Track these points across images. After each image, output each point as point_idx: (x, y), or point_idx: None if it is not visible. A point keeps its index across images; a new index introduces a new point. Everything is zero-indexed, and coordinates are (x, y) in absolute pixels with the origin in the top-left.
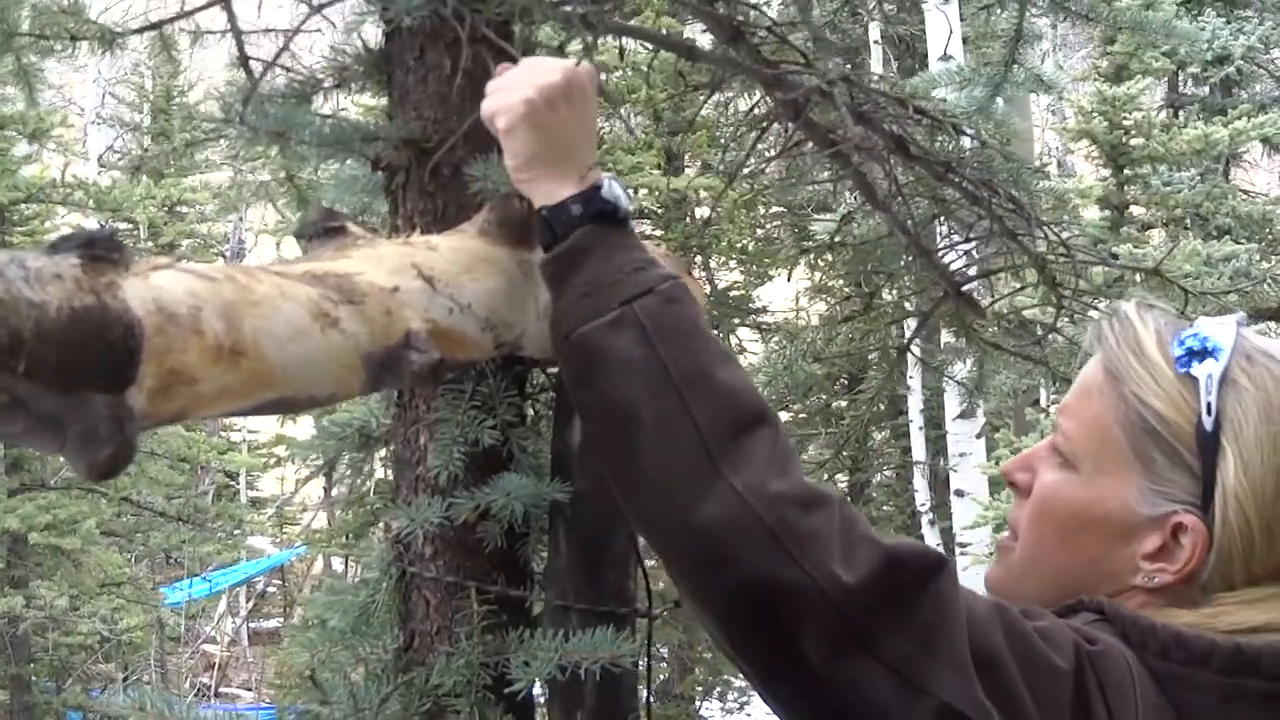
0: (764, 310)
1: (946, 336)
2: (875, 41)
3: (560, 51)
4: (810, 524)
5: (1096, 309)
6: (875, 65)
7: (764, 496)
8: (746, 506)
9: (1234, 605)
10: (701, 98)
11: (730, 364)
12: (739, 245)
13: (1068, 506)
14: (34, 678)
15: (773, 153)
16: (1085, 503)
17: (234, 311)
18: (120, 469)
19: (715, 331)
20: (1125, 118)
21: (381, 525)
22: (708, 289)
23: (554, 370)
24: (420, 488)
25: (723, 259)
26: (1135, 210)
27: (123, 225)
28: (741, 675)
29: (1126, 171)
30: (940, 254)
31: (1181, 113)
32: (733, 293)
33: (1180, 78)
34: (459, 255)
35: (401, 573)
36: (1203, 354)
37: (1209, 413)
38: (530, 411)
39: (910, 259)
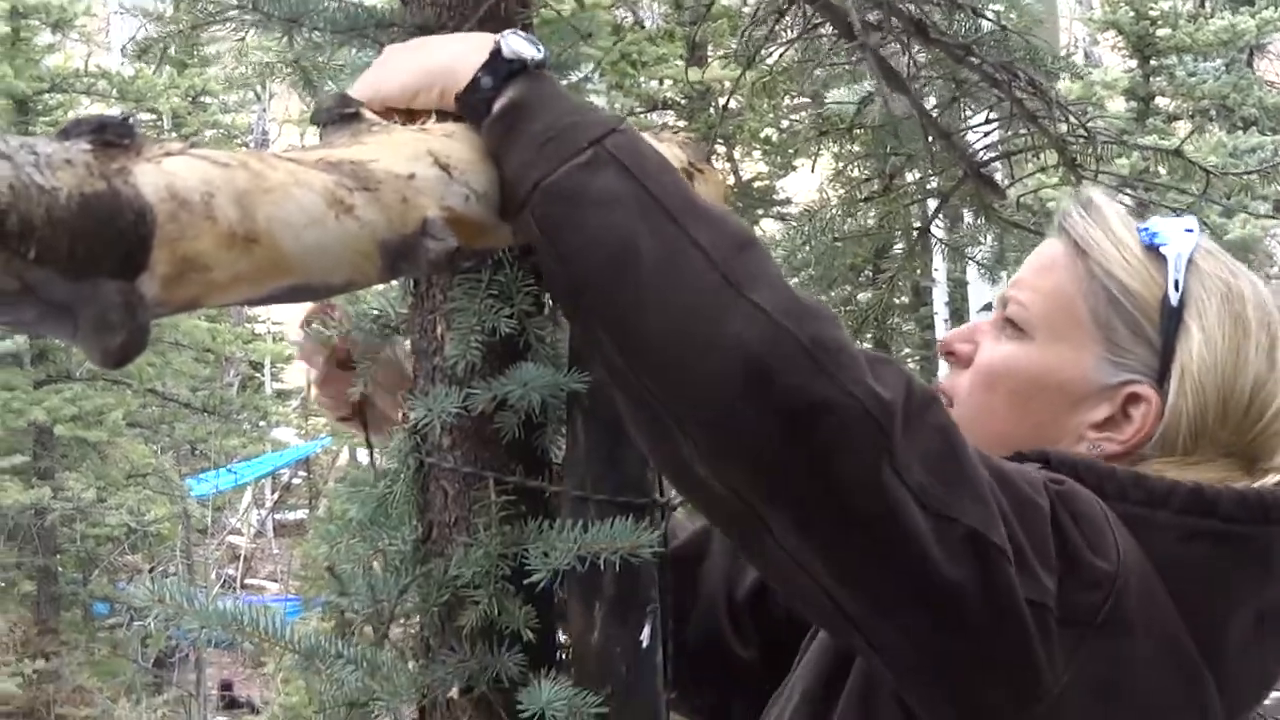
0: (788, 201)
1: (968, 217)
2: None
3: None
4: (839, 340)
5: (1119, 191)
6: None
7: (790, 313)
8: (775, 323)
9: (1164, 466)
10: None
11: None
12: (762, 135)
13: (1022, 372)
14: (61, 569)
15: (791, 36)
16: (1040, 369)
17: (247, 199)
18: (133, 356)
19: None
20: (1152, 7)
21: (399, 415)
22: (731, 180)
23: None
24: (437, 378)
25: (746, 150)
26: (1161, 101)
27: (146, 115)
28: (763, 548)
29: (1152, 62)
30: (960, 135)
31: (1208, 3)
32: (756, 184)
33: None
34: (476, 141)
35: (419, 463)
36: (1168, 239)
37: (1176, 288)
38: (548, 300)
39: (930, 140)
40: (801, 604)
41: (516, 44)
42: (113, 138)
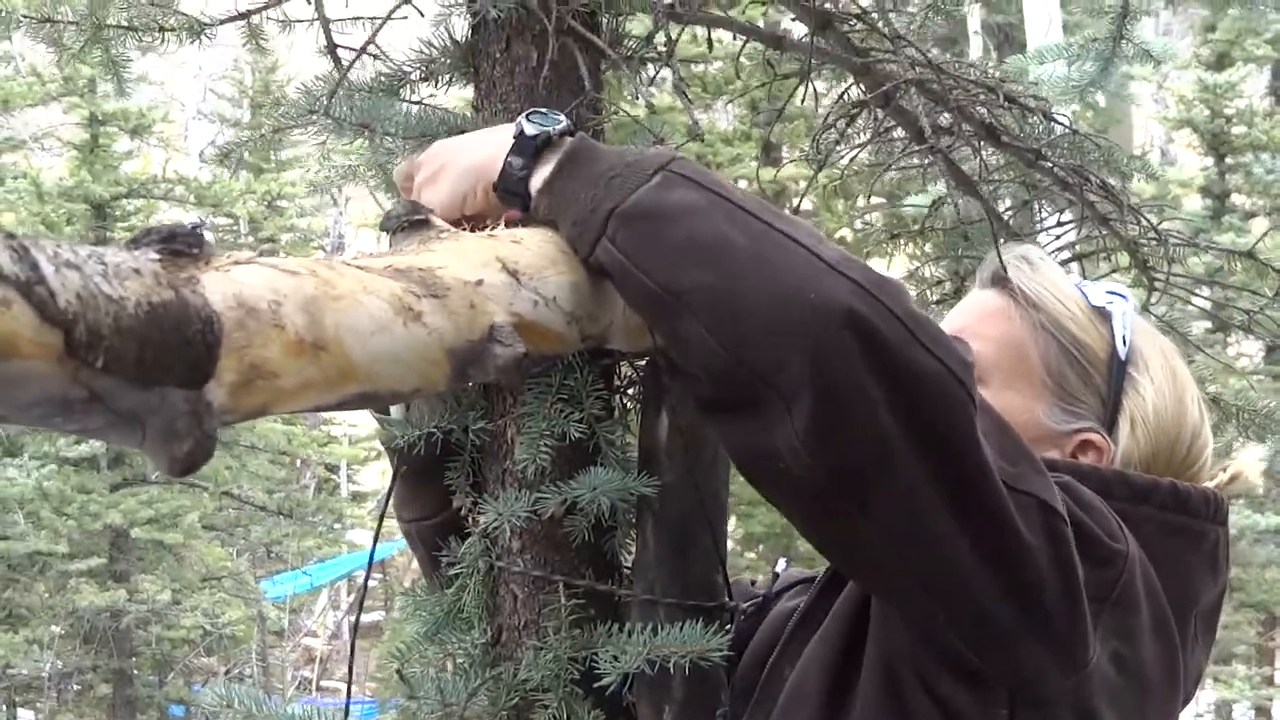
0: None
1: None
2: (975, 31)
3: (648, 43)
4: (925, 314)
5: (1192, 293)
6: (974, 54)
7: (882, 288)
8: (872, 295)
9: None
10: (792, 88)
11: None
12: (837, 235)
13: None
14: (136, 671)
15: (863, 139)
16: None
17: (316, 306)
18: (200, 464)
19: None
20: (1227, 106)
21: (469, 519)
22: None
23: (641, 363)
24: (507, 481)
25: None
26: (1237, 199)
27: (223, 220)
28: (852, 530)
29: (1228, 160)
30: (1033, 237)
31: None
32: None
33: None
34: (544, 248)
35: (489, 567)
36: (1110, 300)
37: (1124, 344)
38: (617, 404)
39: (1002, 243)
40: (878, 584)
41: (537, 119)
42: (182, 246)
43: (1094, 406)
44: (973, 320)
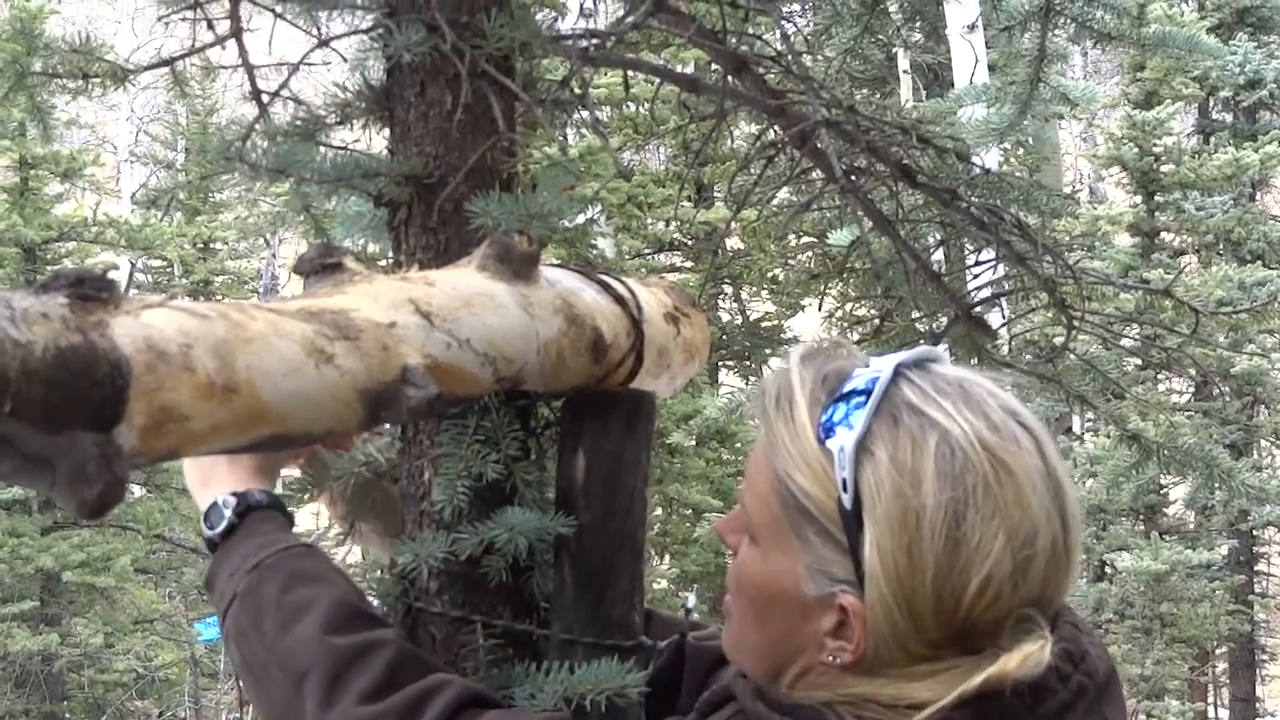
0: (795, 340)
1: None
2: (905, 71)
3: (563, 86)
4: None
5: (1117, 333)
6: (905, 94)
7: None
8: None
9: (896, 676)
10: (709, 129)
11: (293, 624)
12: (770, 275)
13: (753, 583)
14: (69, 715)
15: (783, 180)
16: (765, 580)
17: (226, 349)
18: (110, 507)
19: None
20: (1156, 144)
21: (387, 561)
22: (739, 319)
23: (558, 404)
24: (425, 523)
25: (754, 289)
26: (1166, 236)
27: (155, 263)
28: None
29: (1158, 198)
30: (950, 277)
31: (1212, 138)
32: (765, 324)
33: (1210, 103)
34: (457, 290)
35: (407, 608)
36: (861, 397)
37: (845, 489)
38: (534, 445)
39: (920, 283)
40: None
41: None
42: (90, 291)
43: (843, 564)
44: (750, 461)
